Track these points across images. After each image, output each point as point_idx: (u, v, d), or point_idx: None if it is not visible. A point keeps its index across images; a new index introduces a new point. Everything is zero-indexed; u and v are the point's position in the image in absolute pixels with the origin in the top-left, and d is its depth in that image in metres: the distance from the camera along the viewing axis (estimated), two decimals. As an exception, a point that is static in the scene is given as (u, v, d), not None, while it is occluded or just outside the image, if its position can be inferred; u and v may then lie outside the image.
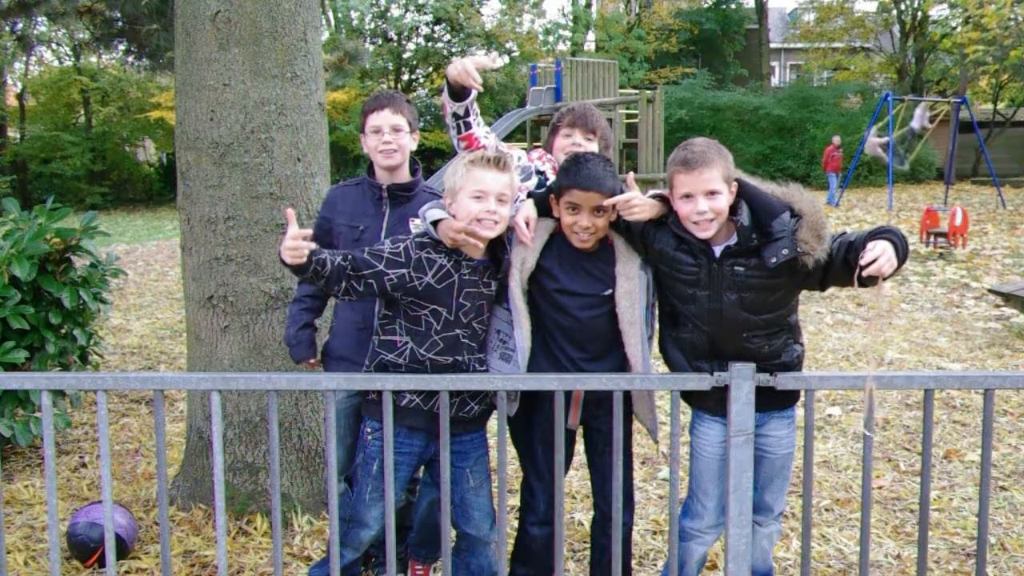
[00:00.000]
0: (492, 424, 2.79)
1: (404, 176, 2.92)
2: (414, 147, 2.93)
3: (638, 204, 2.47)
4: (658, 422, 2.79)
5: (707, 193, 2.36)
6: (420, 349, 2.51)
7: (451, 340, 2.52)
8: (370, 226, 2.86)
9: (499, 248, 2.58)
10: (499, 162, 2.49)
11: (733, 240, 2.43)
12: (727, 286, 2.42)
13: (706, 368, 2.49)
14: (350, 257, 2.43)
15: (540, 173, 3.01)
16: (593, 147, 2.87)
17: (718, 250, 2.44)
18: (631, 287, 2.56)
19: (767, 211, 2.37)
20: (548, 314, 2.63)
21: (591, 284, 2.60)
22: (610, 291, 2.59)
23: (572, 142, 2.89)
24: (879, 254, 2.17)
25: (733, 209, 2.43)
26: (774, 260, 2.33)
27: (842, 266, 2.34)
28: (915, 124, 16.20)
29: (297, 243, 2.32)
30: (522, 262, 2.59)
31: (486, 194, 2.45)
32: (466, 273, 2.51)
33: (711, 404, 2.56)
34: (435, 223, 2.52)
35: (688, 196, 2.38)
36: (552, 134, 3.00)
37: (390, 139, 2.83)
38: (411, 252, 2.47)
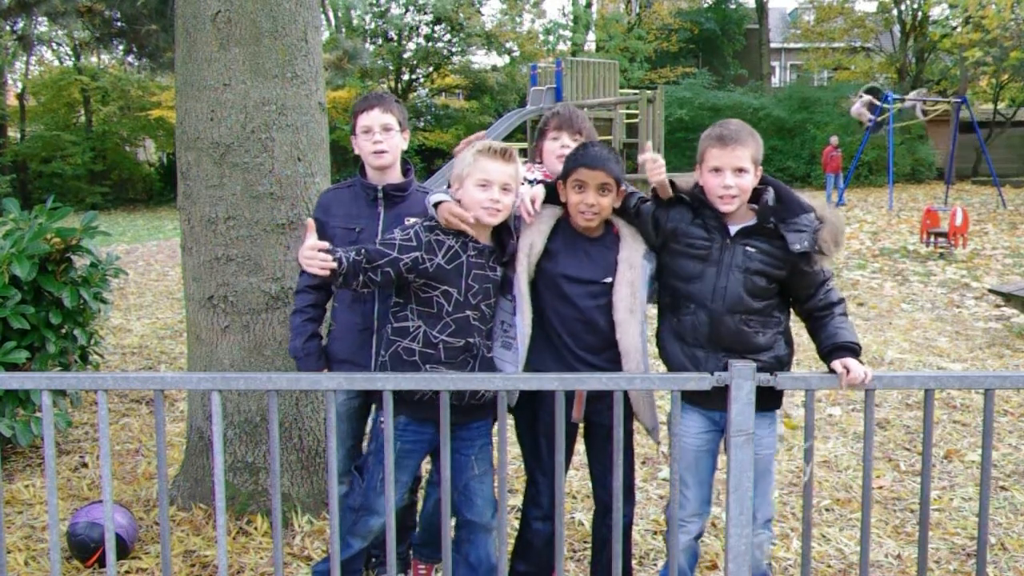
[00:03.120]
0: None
1: (397, 176, 2.94)
2: (405, 146, 2.95)
3: (662, 163, 2.61)
4: (658, 420, 2.80)
5: (736, 170, 2.49)
6: (433, 331, 2.57)
7: (462, 321, 2.58)
8: (366, 227, 2.88)
9: (504, 234, 2.66)
10: (505, 153, 2.58)
11: (751, 221, 2.56)
12: (736, 265, 2.53)
13: (702, 356, 2.56)
14: (363, 251, 2.50)
15: (530, 183, 3.06)
16: None
17: (734, 229, 2.55)
18: (633, 276, 2.61)
19: (793, 204, 2.54)
20: (549, 303, 2.67)
21: (594, 270, 2.64)
22: (611, 279, 2.63)
23: (560, 144, 2.96)
24: (858, 379, 2.41)
25: (756, 196, 2.56)
26: (797, 247, 2.48)
27: (807, 315, 2.61)
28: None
29: (314, 254, 2.41)
30: (530, 247, 2.65)
31: (491, 183, 2.54)
32: (473, 255, 2.58)
33: (694, 394, 2.57)
34: (438, 205, 2.60)
35: (717, 170, 2.51)
36: (540, 138, 3.07)
37: (381, 139, 2.85)
38: (421, 235, 2.54)
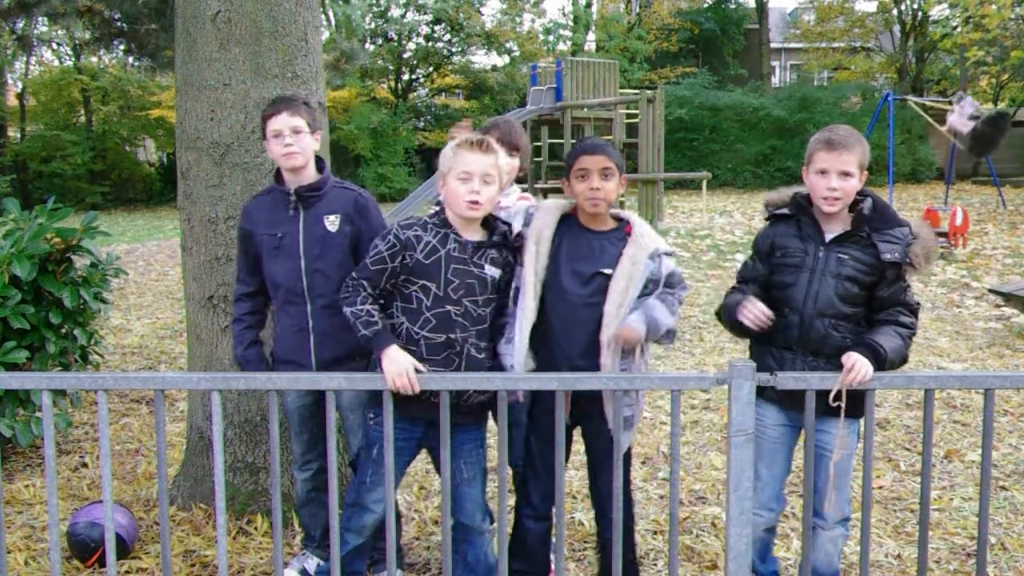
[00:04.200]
0: (493, 425, 2.78)
1: (311, 176, 2.95)
2: (317, 147, 2.97)
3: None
4: (623, 424, 2.71)
5: (841, 173, 2.59)
6: (414, 327, 2.58)
7: (442, 316, 2.58)
8: (287, 231, 2.90)
9: (500, 226, 2.68)
10: (483, 144, 2.60)
11: (846, 228, 2.66)
12: (829, 271, 2.63)
13: (789, 358, 2.66)
14: (370, 289, 2.58)
15: None
16: (515, 162, 3.13)
17: (828, 236, 2.66)
18: (634, 271, 2.62)
19: (890, 216, 2.66)
20: (548, 301, 2.68)
21: (594, 262, 2.66)
22: (610, 271, 2.64)
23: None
24: (855, 375, 2.46)
25: (852, 205, 2.66)
26: (888, 256, 2.59)
27: (871, 324, 2.67)
28: (967, 113, 15.30)
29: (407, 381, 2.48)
30: (538, 236, 2.69)
31: (471, 175, 2.56)
32: (453, 249, 2.59)
33: (769, 393, 2.62)
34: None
35: (824, 172, 2.61)
36: None
37: (291, 141, 2.85)
38: (400, 236, 2.59)
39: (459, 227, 2.63)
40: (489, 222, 2.68)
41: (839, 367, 2.51)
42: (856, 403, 2.62)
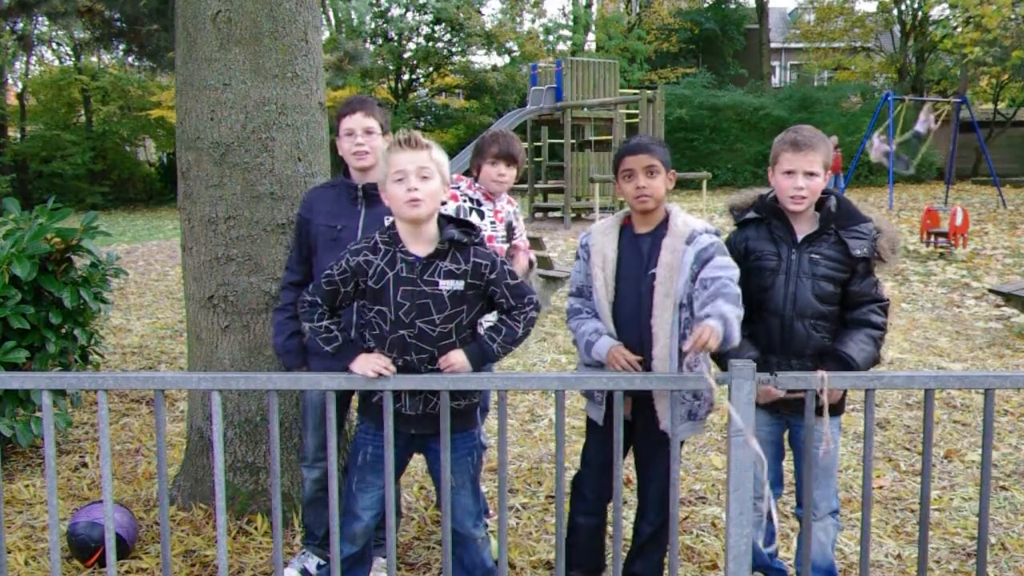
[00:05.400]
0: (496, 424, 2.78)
1: (377, 176, 2.97)
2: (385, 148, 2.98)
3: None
4: (678, 423, 2.70)
5: (807, 173, 2.66)
6: (383, 351, 2.55)
7: (397, 340, 2.52)
8: (347, 225, 2.96)
9: (448, 232, 2.53)
10: (410, 140, 2.51)
11: (815, 228, 2.73)
12: (804, 272, 2.70)
13: (774, 362, 2.69)
14: (325, 306, 2.57)
15: (471, 200, 3.41)
16: (513, 172, 3.38)
17: (799, 237, 2.72)
18: (673, 259, 2.63)
19: (853, 213, 2.73)
20: (617, 312, 2.71)
21: (647, 265, 2.68)
22: (654, 271, 2.65)
23: (498, 172, 3.35)
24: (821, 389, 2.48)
25: (818, 204, 2.74)
26: (858, 252, 2.67)
27: (843, 323, 2.73)
28: (920, 128, 15.82)
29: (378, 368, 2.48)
30: (603, 260, 2.72)
31: (405, 173, 2.47)
32: (402, 269, 2.51)
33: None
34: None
35: (790, 173, 2.68)
36: (479, 157, 3.41)
37: (363, 141, 2.96)
38: (351, 263, 2.54)
39: (408, 241, 2.51)
40: (443, 230, 2.56)
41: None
42: (836, 403, 2.75)
